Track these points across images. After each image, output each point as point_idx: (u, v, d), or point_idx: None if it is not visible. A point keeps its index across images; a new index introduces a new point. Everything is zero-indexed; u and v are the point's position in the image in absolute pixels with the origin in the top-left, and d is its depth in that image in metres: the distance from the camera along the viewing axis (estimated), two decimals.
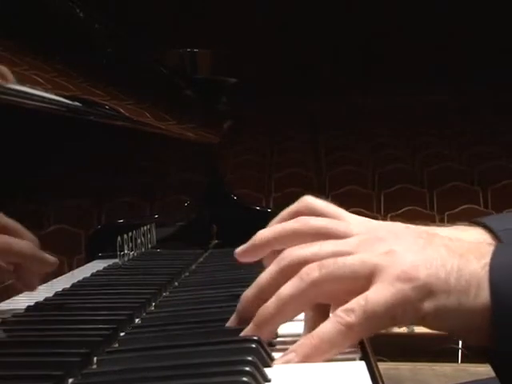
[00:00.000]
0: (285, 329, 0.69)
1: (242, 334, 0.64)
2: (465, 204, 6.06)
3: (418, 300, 0.60)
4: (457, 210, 5.97)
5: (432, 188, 6.77)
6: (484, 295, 0.60)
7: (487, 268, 0.60)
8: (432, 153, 7.55)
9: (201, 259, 1.28)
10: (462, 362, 3.75)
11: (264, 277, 0.66)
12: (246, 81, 1.73)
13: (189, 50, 1.59)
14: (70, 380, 0.57)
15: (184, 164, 1.51)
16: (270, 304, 0.63)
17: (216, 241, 1.50)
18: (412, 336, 4.15)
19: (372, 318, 0.60)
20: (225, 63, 1.67)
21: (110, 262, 1.02)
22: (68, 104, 0.82)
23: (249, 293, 0.67)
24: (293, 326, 0.69)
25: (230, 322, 0.68)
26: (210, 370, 0.54)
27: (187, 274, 1.10)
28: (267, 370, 0.57)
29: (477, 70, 8.28)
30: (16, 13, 0.66)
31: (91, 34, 0.90)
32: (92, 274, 0.95)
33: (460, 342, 3.85)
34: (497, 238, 0.72)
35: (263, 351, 0.60)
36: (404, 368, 3.53)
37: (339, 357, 0.61)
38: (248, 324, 0.64)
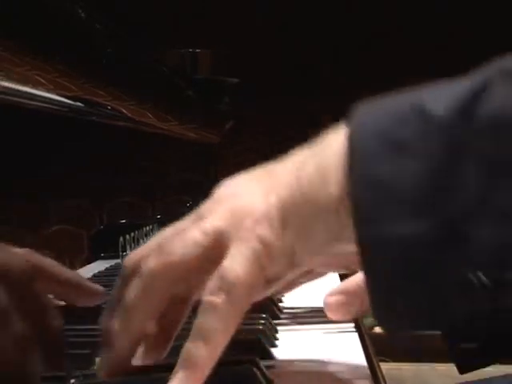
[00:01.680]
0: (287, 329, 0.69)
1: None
2: None
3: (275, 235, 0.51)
4: None
5: None
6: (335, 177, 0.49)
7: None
8: None
9: None
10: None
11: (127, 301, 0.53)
12: (246, 81, 1.73)
13: (190, 50, 1.59)
14: (72, 381, 0.57)
15: (185, 164, 1.51)
16: (117, 320, 0.53)
17: None
18: (414, 336, 4.15)
19: (237, 283, 0.50)
20: (225, 63, 1.67)
21: (112, 262, 1.02)
22: (70, 104, 0.82)
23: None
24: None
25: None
26: (211, 370, 0.53)
27: None
28: (269, 371, 0.57)
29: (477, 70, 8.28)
30: (17, 13, 0.66)
31: (92, 34, 0.90)
32: (94, 275, 0.95)
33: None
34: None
35: (265, 351, 0.60)
36: (406, 368, 3.52)
37: (341, 357, 0.61)
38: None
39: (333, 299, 0.67)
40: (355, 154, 0.48)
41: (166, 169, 1.38)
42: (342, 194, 0.48)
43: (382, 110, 0.50)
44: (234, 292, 0.50)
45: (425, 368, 3.59)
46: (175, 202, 1.43)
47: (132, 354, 0.53)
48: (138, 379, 0.54)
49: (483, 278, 0.45)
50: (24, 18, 0.67)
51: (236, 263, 0.50)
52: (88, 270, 0.94)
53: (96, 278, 0.94)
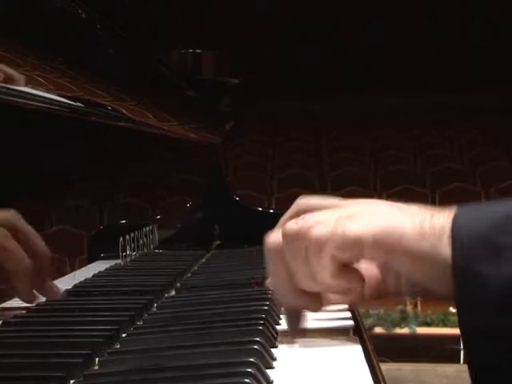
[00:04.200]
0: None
1: None
2: None
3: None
4: None
5: (434, 189, 6.76)
6: (446, 244, 0.61)
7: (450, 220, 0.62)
8: (434, 154, 7.54)
9: (203, 260, 1.28)
10: (465, 362, 3.75)
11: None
12: (246, 81, 1.73)
13: (191, 50, 1.59)
14: (72, 381, 0.57)
15: (186, 165, 1.51)
16: None
17: (218, 242, 1.50)
18: (414, 337, 4.15)
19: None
20: (227, 64, 1.67)
21: (112, 262, 1.02)
22: (71, 105, 0.82)
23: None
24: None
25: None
26: (212, 372, 0.54)
27: (189, 275, 1.10)
28: (269, 372, 0.57)
29: (479, 70, 8.28)
30: (18, 13, 0.66)
31: (93, 34, 0.91)
32: (94, 275, 0.95)
33: (462, 343, 3.84)
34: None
35: (265, 352, 0.60)
36: (406, 369, 3.52)
37: (341, 357, 0.61)
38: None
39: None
40: (460, 253, 0.60)
41: (166, 169, 1.38)
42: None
43: (482, 216, 0.62)
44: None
45: (425, 368, 3.59)
46: (175, 202, 1.43)
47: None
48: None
49: None
50: (24, 17, 0.67)
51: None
52: (88, 271, 0.94)
53: (96, 278, 0.94)
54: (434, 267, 0.62)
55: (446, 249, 0.61)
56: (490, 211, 0.62)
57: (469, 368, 0.60)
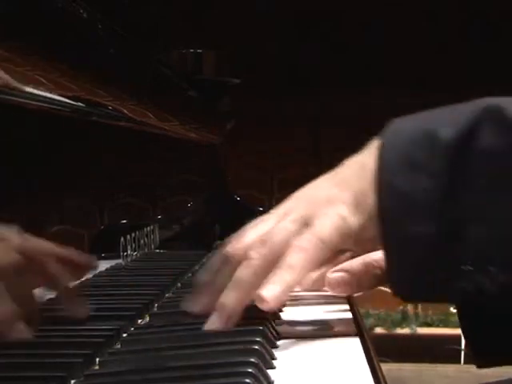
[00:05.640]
0: (288, 329, 0.69)
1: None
2: None
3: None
4: None
5: None
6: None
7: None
8: None
9: (204, 260, 1.27)
10: (465, 362, 3.75)
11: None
12: (246, 81, 1.73)
13: (192, 50, 1.59)
14: (73, 381, 0.57)
15: (187, 165, 1.51)
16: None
17: (219, 242, 1.50)
18: (415, 337, 4.15)
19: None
20: (228, 64, 1.67)
21: (113, 262, 1.02)
22: (70, 104, 0.82)
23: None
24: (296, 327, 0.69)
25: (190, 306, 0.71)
26: (213, 372, 0.54)
27: (190, 274, 1.10)
28: (270, 372, 0.57)
29: (479, 70, 8.28)
30: (19, 13, 0.66)
31: (93, 33, 0.90)
32: (95, 275, 0.95)
33: (463, 344, 3.84)
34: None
35: (266, 352, 0.60)
36: (407, 369, 3.52)
37: (342, 357, 0.61)
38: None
39: (337, 275, 0.80)
40: (383, 172, 0.65)
41: (166, 169, 1.38)
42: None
43: (403, 133, 0.67)
44: (321, 240, 0.65)
45: (425, 368, 3.59)
46: (176, 202, 1.43)
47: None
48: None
49: (470, 268, 0.61)
50: (25, 17, 0.67)
51: (324, 224, 0.65)
52: None
53: (96, 278, 0.94)
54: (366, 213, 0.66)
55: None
56: (412, 128, 0.67)
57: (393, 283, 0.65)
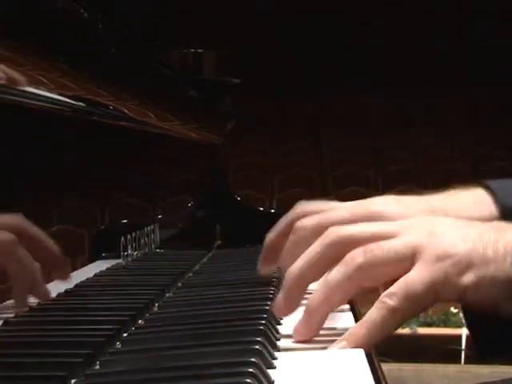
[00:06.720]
0: (289, 330, 0.69)
1: (295, 327, 0.67)
2: None
3: (457, 274, 0.63)
4: None
5: (435, 188, 6.76)
6: None
7: None
8: (434, 154, 7.55)
9: (204, 260, 1.27)
10: (466, 363, 3.75)
11: (308, 255, 0.69)
12: (246, 81, 1.73)
13: (192, 50, 1.58)
14: (73, 381, 0.57)
15: (187, 165, 1.51)
16: (319, 293, 0.66)
17: (219, 241, 1.50)
18: (415, 337, 4.15)
19: (413, 298, 0.62)
20: (228, 64, 1.67)
21: (114, 262, 1.02)
22: (71, 104, 0.82)
23: (295, 270, 0.69)
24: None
25: (278, 302, 0.70)
26: (213, 372, 0.54)
27: (190, 274, 1.10)
28: (270, 372, 0.57)
29: (479, 70, 8.28)
30: (19, 13, 0.66)
31: (94, 33, 0.90)
32: (95, 275, 0.95)
33: (463, 343, 3.84)
34: (495, 196, 0.83)
35: (266, 352, 0.60)
36: (407, 369, 3.52)
37: (342, 357, 0.61)
38: (294, 301, 0.69)
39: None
40: None
41: (167, 169, 1.38)
42: None
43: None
44: (410, 297, 0.62)
45: (426, 368, 3.58)
46: (176, 202, 1.43)
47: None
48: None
49: None
50: (26, 17, 0.67)
51: (421, 275, 0.63)
52: (89, 270, 0.94)
53: (97, 277, 0.94)
54: (498, 288, 0.63)
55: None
56: None
57: None
